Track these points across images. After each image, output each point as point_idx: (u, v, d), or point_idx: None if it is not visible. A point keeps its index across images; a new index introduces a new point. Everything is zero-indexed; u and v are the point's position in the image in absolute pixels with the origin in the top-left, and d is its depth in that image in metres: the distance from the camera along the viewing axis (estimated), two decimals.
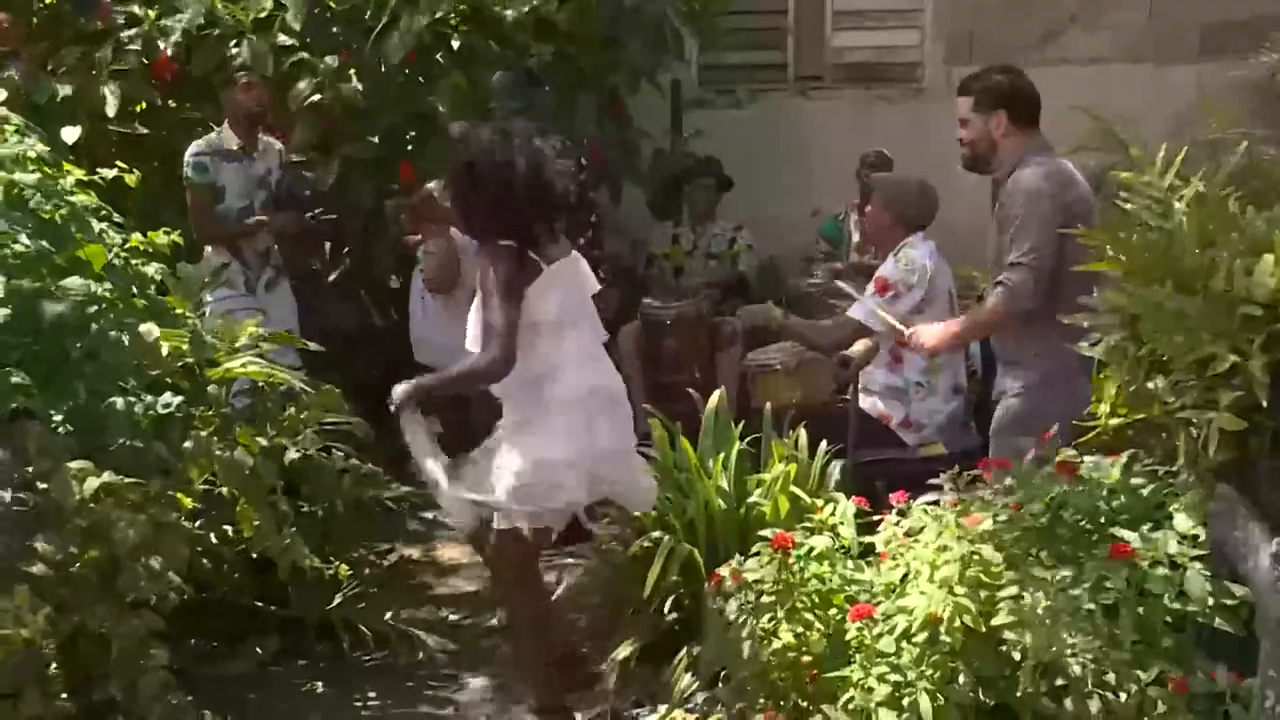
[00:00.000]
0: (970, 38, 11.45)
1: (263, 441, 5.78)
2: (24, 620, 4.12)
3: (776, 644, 4.79)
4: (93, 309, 4.79)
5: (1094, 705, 4.13)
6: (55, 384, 4.70)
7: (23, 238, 4.71)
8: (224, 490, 5.30)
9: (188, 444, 5.11)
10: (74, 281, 4.81)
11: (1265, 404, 4.14)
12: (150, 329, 5.11)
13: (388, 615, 6.46)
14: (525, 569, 5.56)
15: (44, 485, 4.52)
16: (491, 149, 5.24)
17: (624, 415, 5.63)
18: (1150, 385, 4.58)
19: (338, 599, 6.24)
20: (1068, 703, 4.19)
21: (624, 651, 5.78)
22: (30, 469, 4.55)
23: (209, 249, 7.87)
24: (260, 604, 6.02)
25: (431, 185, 7.82)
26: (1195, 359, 4.32)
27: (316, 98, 8.46)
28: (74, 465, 4.56)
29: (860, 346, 6.65)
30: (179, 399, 5.19)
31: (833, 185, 10.69)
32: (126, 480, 4.68)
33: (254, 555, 5.52)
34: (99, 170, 5.55)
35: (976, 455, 5.63)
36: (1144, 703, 4.10)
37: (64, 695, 4.70)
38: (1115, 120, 5.52)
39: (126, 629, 4.56)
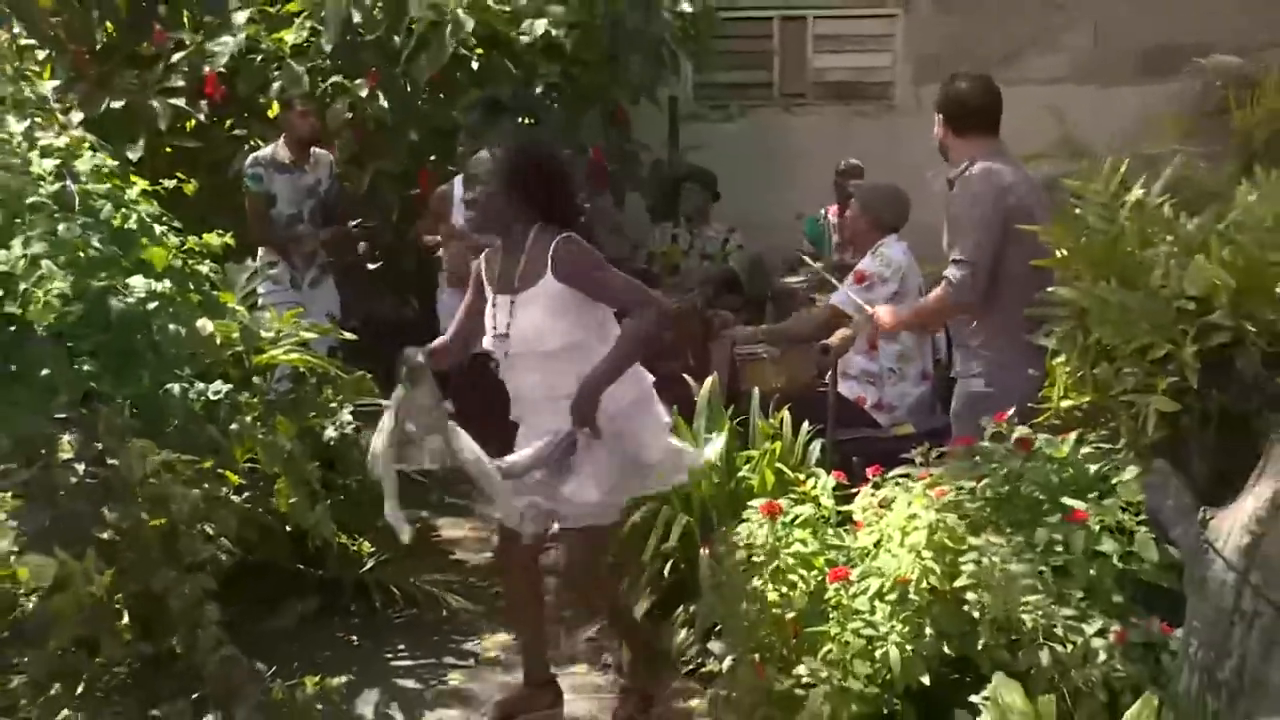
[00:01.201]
0: (937, 60, 11.46)
1: (301, 423, 5.84)
2: (92, 579, 4.17)
3: (764, 602, 4.83)
4: (154, 305, 4.83)
5: (1044, 655, 4.18)
6: (121, 372, 4.74)
7: (95, 241, 4.75)
8: (265, 469, 5.33)
9: (234, 426, 5.15)
10: (138, 280, 4.85)
11: (1196, 388, 4.20)
12: (205, 323, 5.16)
13: (415, 578, 6.50)
14: (601, 564, 5.28)
15: (112, 461, 4.56)
16: (543, 152, 5.03)
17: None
18: (1096, 371, 4.62)
19: (370, 562, 6.27)
20: (1021, 654, 4.25)
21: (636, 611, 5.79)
22: (100, 446, 4.60)
23: (261, 249, 7.95)
24: (301, 567, 6.04)
25: (444, 188, 7.85)
26: (1135, 348, 4.36)
27: (349, 115, 8.51)
28: (137, 444, 4.61)
29: (839, 337, 6.71)
30: (228, 387, 5.24)
31: (813, 191, 10.74)
32: (183, 458, 4.72)
33: (289, 527, 5.56)
34: (160, 181, 5.59)
35: (942, 434, 5.66)
36: (1088, 653, 4.15)
37: (133, 646, 4.79)
38: (1067, 134, 5.57)
39: (184, 589, 4.61)
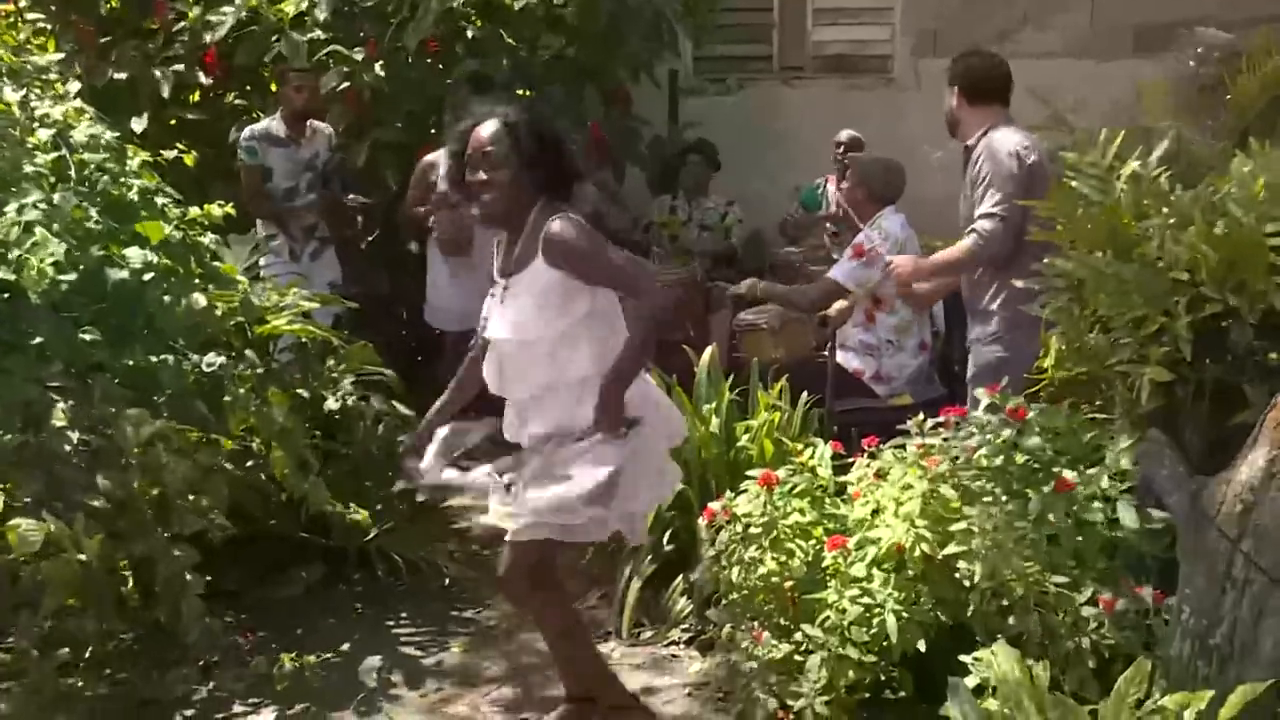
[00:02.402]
0: (935, 34, 11.50)
1: (304, 393, 5.85)
2: (81, 545, 4.18)
3: (762, 570, 4.84)
4: (149, 277, 4.84)
5: (1035, 621, 4.22)
6: (117, 343, 4.76)
7: (93, 213, 4.76)
8: (259, 439, 5.34)
9: (228, 398, 5.16)
10: (133, 252, 4.86)
11: (1189, 359, 4.22)
12: (199, 297, 5.17)
13: (417, 547, 6.52)
14: (550, 581, 4.70)
15: (106, 430, 4.58)
16: (542, 125, 4.46)
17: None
18: (1091, 342, 4.66)
19: (374, 532, 6.30)
20: (1012, 619, 4.28)
21: (636, 583, 5.83)
22: (94, 415, 4.61)
23: (259, 222, 7.95)
24: (306, 536, 6.07)
25: (431, 156, 7.84)
26: (1130, 319, 4.39)
27: (345, 85, 8.51)
28: (131, 412, 4.62)
29: (837, 308, 6.73)
30: (221, 359, 5.25)
31: (812, 165, 10.73)
32: (176, 427, 4.73)
33: (286, 496, 5.57)
34: (160, 152, 5.60)
35: (940, 404, 5.67)
36: (1078, 620, 4.18)
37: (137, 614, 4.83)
38: (1063, 107, 5.59)
39: (171, 559, 4.63)
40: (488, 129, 4.32)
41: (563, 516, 4.34)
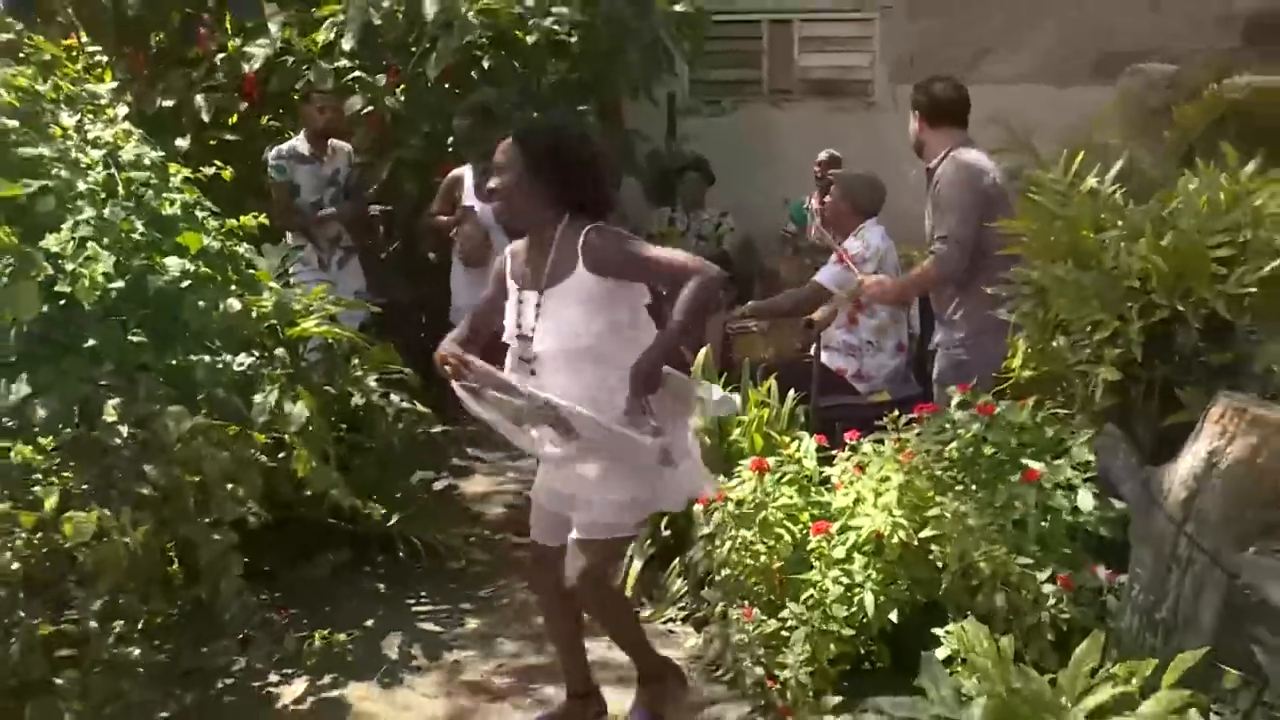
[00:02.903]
0: (911, 60, 11.52)
1: (331, 390, 5.88)
2: (128, 531, 4.22)
3: (752, 552, 4.90)
4: (187, 284, 4.87)
5: (1000, 599, 4.27)
6: (161, 344, 4.79)
7: (138, 225, 4.80)
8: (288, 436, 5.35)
9: (257, 398, 5.18)
10: (173, 261, 4.90)
11: (1140, 360, 4.28)
12: (233, 302, 5.20)
13: (435, 532, 6.56)
14: (609, 578, 4.67)
15: (152, 425, 4.61)
16: (570, 139, 4.26)
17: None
18: (1054, 344, 4.71)
19: (395, 518, 6.33)
20: (980, 597, 4.33)
21: (636, 564, 5.86)
22: (140, 411, 4.65)
23: (289, 234, 8.00)
24: (333, 522, 6.10)
25: (457, 170, 7.87)
26: (1088, 323, 4.45)
27: (369, 109, 8.56)
28: (173, 409, 4.65)
29: (822, 312, 6.79)
30: (251, 359, 5.28)
31: (798, 179, 10.76)
32: (213, 423, 4.76)
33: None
34: (200, 169, 5.64)
35: (915, 401, 5.70)
36: (1039, 597, 4.24)
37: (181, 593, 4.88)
38: (1027, 129, 5.64)
39: (211, 543, 4.67)
40: (504, 141, 4.22)
41: (626, 515, 4.31)
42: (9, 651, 3.95)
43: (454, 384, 4.25)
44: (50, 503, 4.14)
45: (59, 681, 4.03)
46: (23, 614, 4.06)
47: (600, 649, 4.98)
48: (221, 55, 8.74)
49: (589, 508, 4.25)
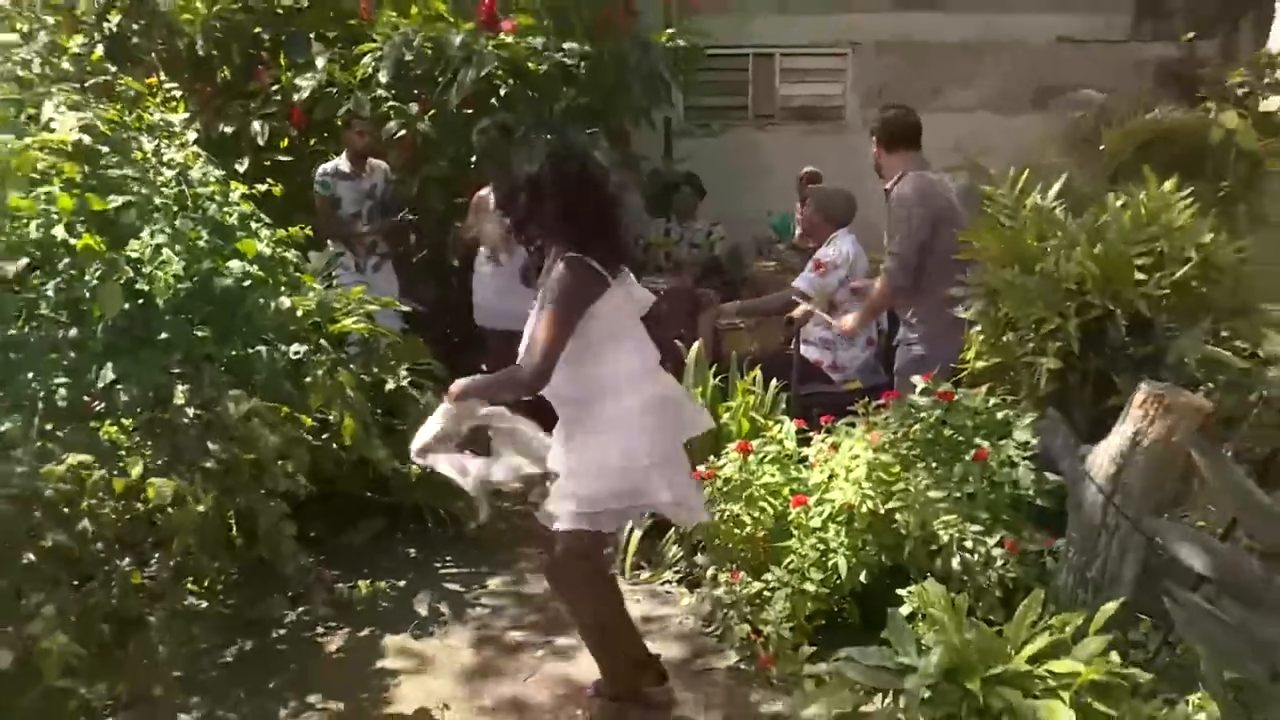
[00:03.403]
0: (879, 90, 11.63)
1: (367, 377, 5.94)
2: (200, 499, 4.29)
3: (738, 523, 5.00)
4: (246, 284, 4.93)
5: (956, 561, 4.34)
6: (223, 337, 4.85)
7: (204, 234, 4.87)
8: (334, 414, 5.39)
9: (309, 380, 5.24)
10: (234, 264, 4.96)
11: (1077, 352, 4.37)
12: (285, 300, 5.26)
13: (461, 503, 6.62)
14: (590, 576, 4.33)
15: (214, 407, 4.68)
16: (565, 157, 4.04)
17: (683, 425, 4.37)
18: (1004, 339, 4.79)
19: (423, 492, 6.38)
20: (939, 561, 4.41)
21: (636, 533, 5.87)
22: (205, 395, 4.72)
23: (330, 241, 8.09)
24: (370, 495, 6.18)
25: (483, 191, 7.91)
26: (1033, 320, 4.53)
27: (402, 133, 8.64)
28: (233, 393, 4.71)
29: (800, 311, 6.84)
30: (304, 348, 5.35)
31: (780, 194, 10.87)
32: (268, 406, 4.81)
33: (359, 458, 5.64)
34: (255, 186, 5.72)
35: (883, 389, 5.76)
36: (989, 560, 4.31)
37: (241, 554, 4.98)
38: (977, 151, 5.72)
39: (268, 510, 4.73)
40: (504, 173, 4.05)
41: (585, 506, 4.07)
42: (111, 593, 4.05)
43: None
44: (135, 472, 4.23)
45: (151, 619, 4.12)
46: (119, 563, 4.17)
47: None
48: (275, 88, 8.87)
49: (560, 498, 4.13)
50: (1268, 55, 7.99)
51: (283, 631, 5.28)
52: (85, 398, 4.43)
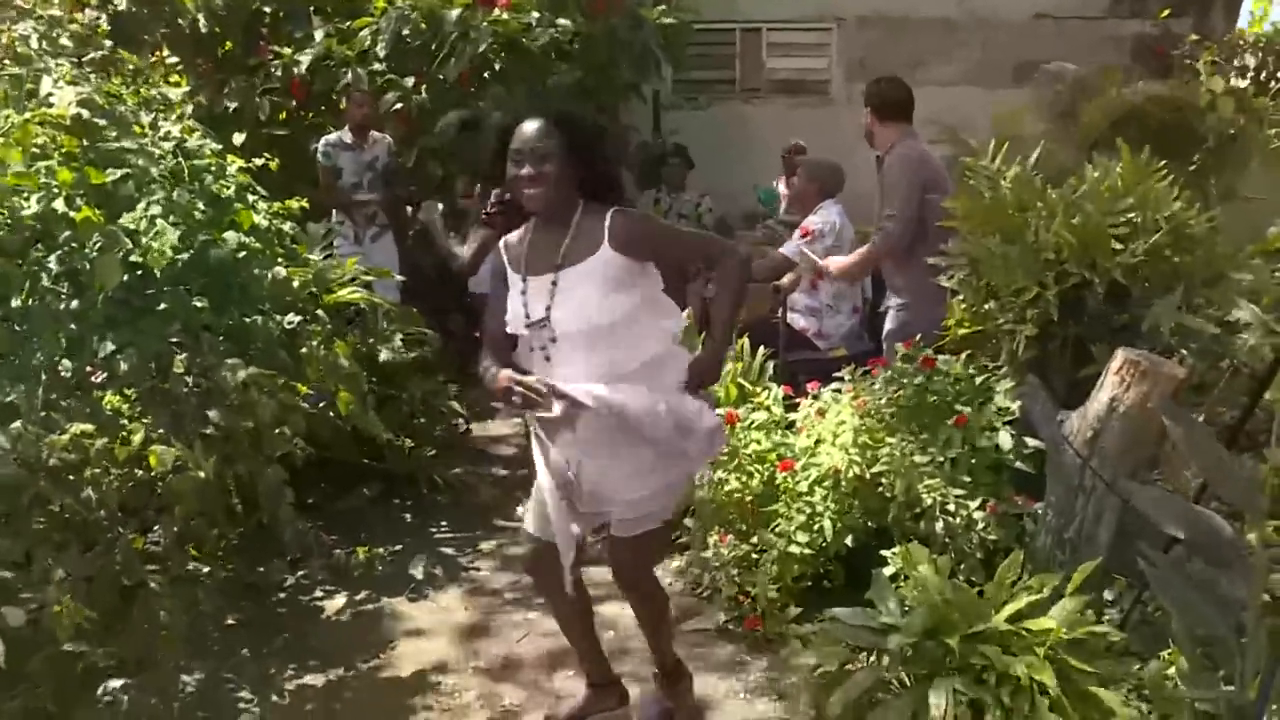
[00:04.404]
0: (862, 63, 11.66)
1: (363, 347, 5.94)
2: (200, 465, 4.29)
3: (727, 487, 5.01)
4: (242, 255, 4.93)
5: (939, 524, 4.37)
6: (220, 307, 4.84)
7: (200, 205, 4.85)
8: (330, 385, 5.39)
9: (304, 350, 5.23)
10: (230, 235, 4.95)
11: (1056, 320, 4.38)
12: (279, 270, 5.25)
13: (454, 470, 6.66)
14: (652, 568, 4.12)
15: (213, 376, 4.67)
16: (591, 125, 3.78)
17: None
18: (985, 307, 4.80)
19: (419, 459, 6.42)
20: (922, 524, 4.44)
21: None
22: (203, 363, 4.72)
23: (334, 214, 8.12)
24: (366, 461, 6.20)
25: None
26: (1013, 289, 4.54)
27: (399, 105, 8.64)
28: (230, 362, 4.70)
29: (788, 279, 6.85)
30: (299, 319, 5.35)
31: (766, 165, 10.89)
32: (264, 374, 4.80)
33: (353, 428, 5.64)
34: (253, 160, 5.71)
35: (868, 357, 5.78)
36: (970, 523, 4.34)
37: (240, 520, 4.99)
38: (960, 125, 5.72)
39: (267, 476, 4.74)
40: (533, 125, 3.59)
41: (668, 499, 3.80)
42: (115, 559, 4.06)
43: (534, 418, 3.70)
44: (137, 439, 4.24)
45: (154, 585, 4.13)
46: (121, 530, 4.18)
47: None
48: (275, 62, 8.86)
49: (636, 502, 3.72)
50: (1239, 35, 8.02)
51: (281, 596, 5.31)
52: (88, 368, 4.43)
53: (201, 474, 4.27)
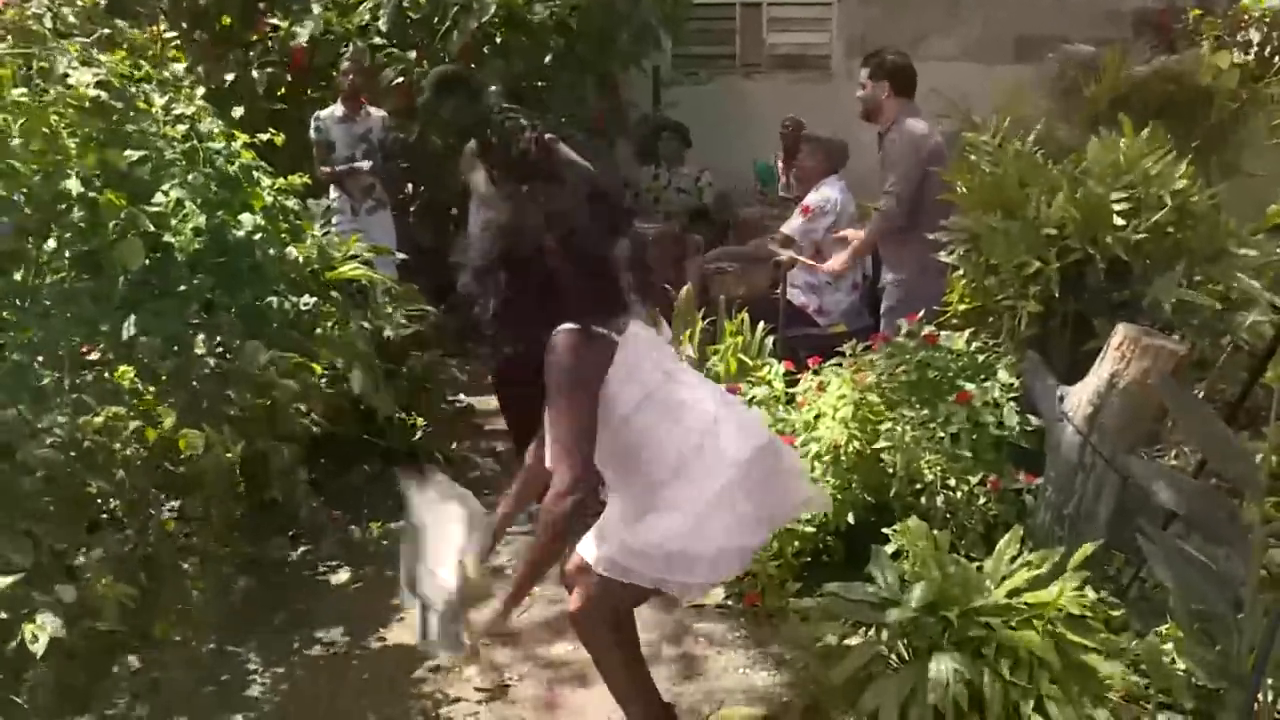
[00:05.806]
0: (863, 39, 11.60)
1: (366, 325, 5.96)
2: (228, 447, 4.32)
3: None
4: (258, 236, 4.94)
5: (940, 499, 4.40)
6: (236, 288, 4.86)
7: (213, 185, 4.87)
8: (339, 362, 5.41)
9: (318, 331, 5.25)
10: (246, 217, 4.96)
11: (1058, 296, 4.40)
12: (291, 250, 5.27)
13: (454, 445, 6.69)
14: (617, 623, 3.60)
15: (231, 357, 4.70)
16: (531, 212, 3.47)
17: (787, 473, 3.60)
18: (986, 283, 4.82)
19: (419, 434, 6.45)
20: (923, 499, 4.46)
21: None
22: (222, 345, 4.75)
23: (332, 190, 8.13)
24: (368, 438, 6.23)
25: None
26: (1014, 264, 4.56)
27: (400, 79, 8.65)
28: (250, 343, 4.71)
29: (788, 255, 6.86)
30: (314, 300, 5.37)
31: (766, 141, 10.86)
32: (281, 354, 4.82)
33: (362, 405, 5.67)
34: (256, 135, 5.70)
35: (868, 332, 5.81)
36: (971, 498, 4.37)
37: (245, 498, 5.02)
38: (961, 100, 5.73)
39: (281, 455, 4.76)
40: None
41: (644, 564, 3.27)
42: (148, 539, 4.10)
43: None
44: (168, 423, 4.26)
45: (185, 566, 4.18)
46: (153, 512, 4.22)
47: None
48: (273, 35, 8.86)
49: (604, 541, 3.46)
50: (1243, 9, 8.01)
51: (286, 571, 5.35)
52: (111, 353, 4.46)
53: (229, 455, 4.31)
